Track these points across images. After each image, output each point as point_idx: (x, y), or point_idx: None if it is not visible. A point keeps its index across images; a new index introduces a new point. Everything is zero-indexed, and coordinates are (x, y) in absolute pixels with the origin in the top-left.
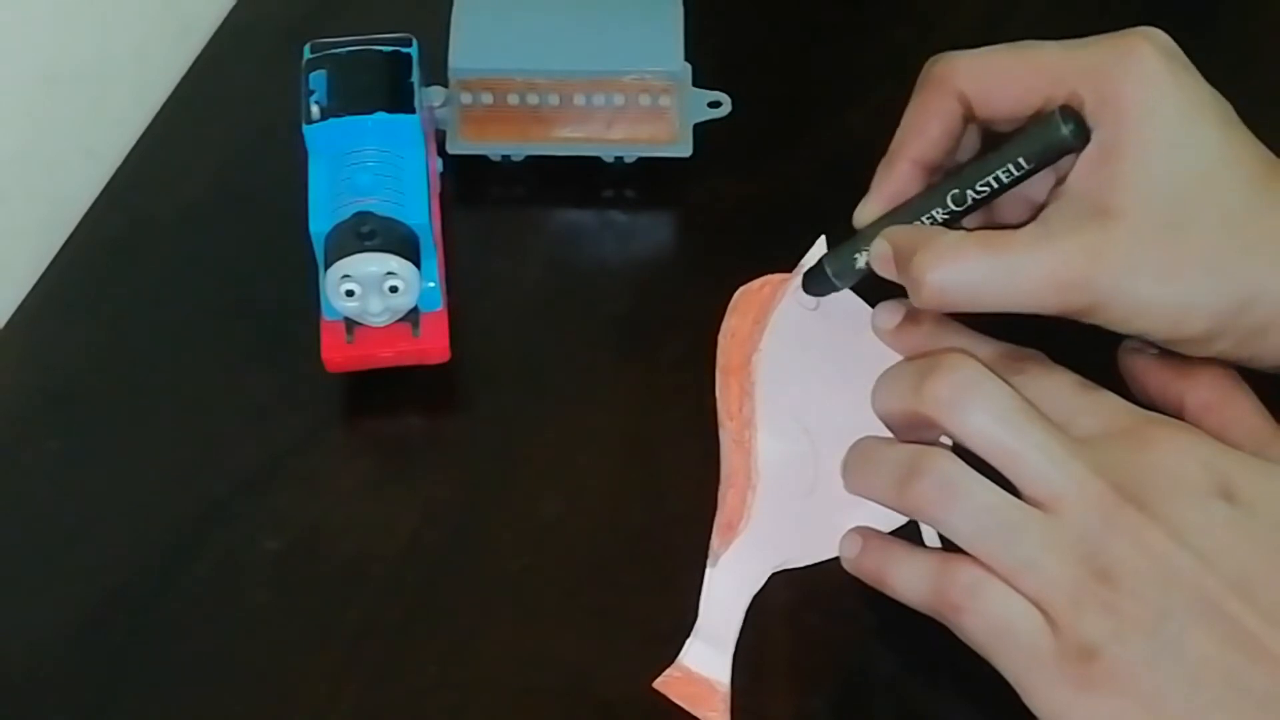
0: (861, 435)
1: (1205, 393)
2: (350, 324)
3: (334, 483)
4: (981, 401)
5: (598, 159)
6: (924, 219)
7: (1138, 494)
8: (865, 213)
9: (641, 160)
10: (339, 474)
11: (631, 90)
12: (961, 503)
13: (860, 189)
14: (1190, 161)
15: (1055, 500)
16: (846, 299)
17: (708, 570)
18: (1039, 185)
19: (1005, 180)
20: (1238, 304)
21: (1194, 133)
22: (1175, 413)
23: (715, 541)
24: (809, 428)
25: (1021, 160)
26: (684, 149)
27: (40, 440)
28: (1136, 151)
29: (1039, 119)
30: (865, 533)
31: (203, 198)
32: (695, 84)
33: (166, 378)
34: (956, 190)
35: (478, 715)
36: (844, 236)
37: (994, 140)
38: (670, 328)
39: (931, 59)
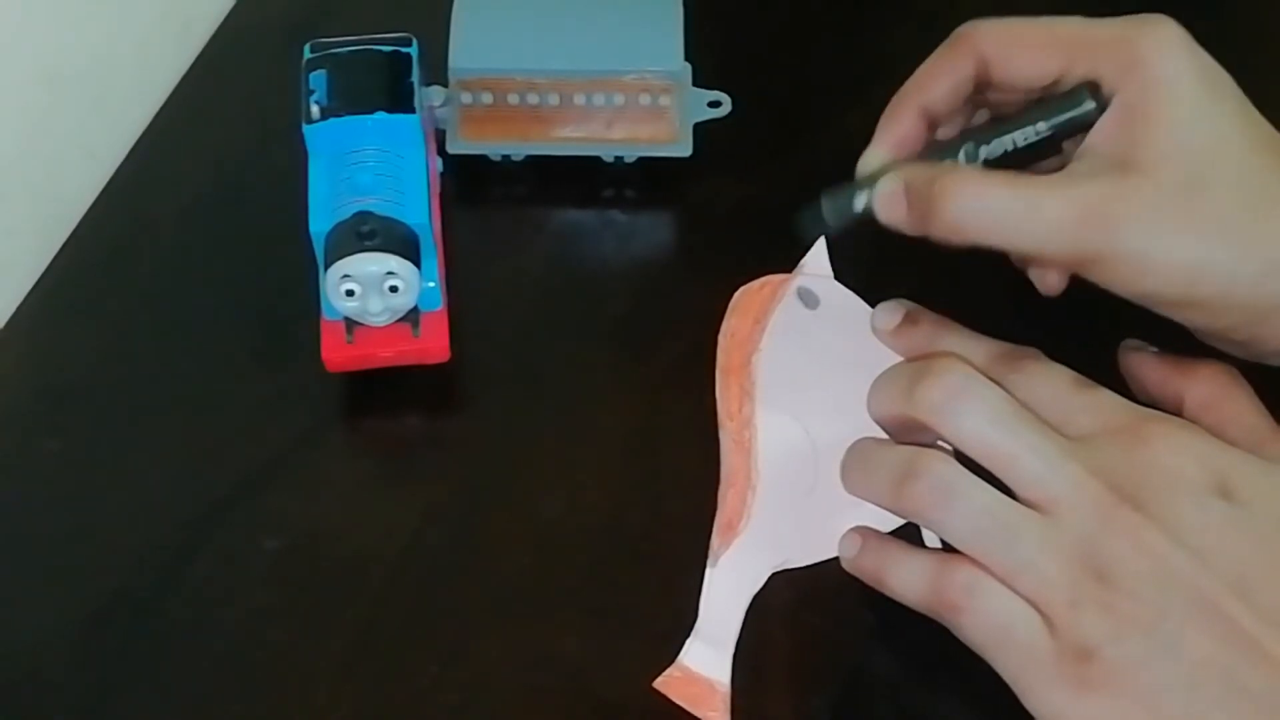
0: (861, 436)
1: (1204, 390)
2: (350, 324)
3: (334, 483)
4: (974, 405)
5: (598, 159)
6: None
7: (1135, 493)
8: (870, 158)
9: (641, 160)
10: (339, 474)
11: (631, 90)
12: (958, 504)
13: None
14: (1210, 127)
15: (1051, 502)
16: (846, 299)
17: (708, 570)
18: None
19: (1021, 144)
20: (1252, 271)
21: (1213, 101)
22: (1174, 410)
23: (715, 541)
24: (809, 428)
25: (1042, 125)
26: (684, 149)
27: (40, 440)
28: (1159, 113)
29: (1063, 91)
30: (864, 532)
31: (203, 198)
32: (695, 84)
33: (166, 378)
34: (971, 144)
35: (478, 715)
36: (844, 236)
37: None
38: (670, 328)
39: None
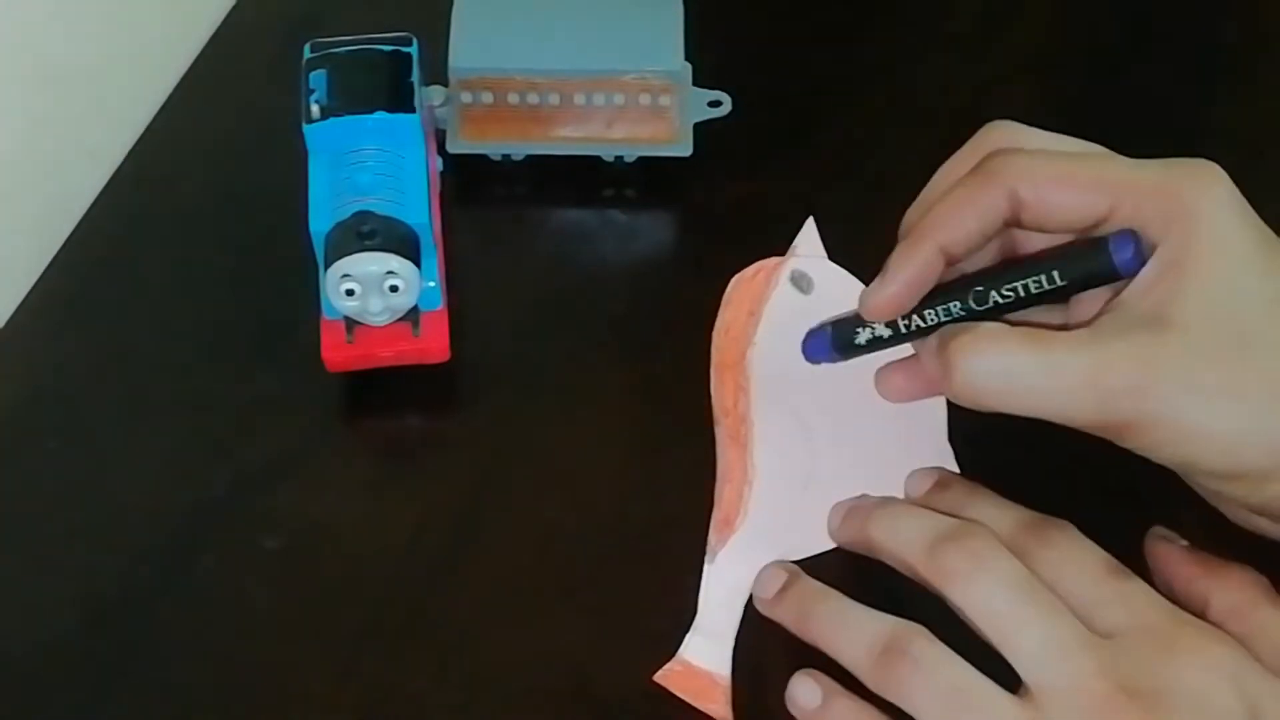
0: (854, 430)
1: (1233, 596)
2: (350, 324)
3: (334, 483)
4: (988, 578)
5: (598, 158)
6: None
7: (1153, 702)
8: (879, 298)
9: (641, 159)
10: (339, 474)
11: (632, 89)
12: (929, 679)
13: (860, 189)
14: (1259, 284)
15: (1046, 691)
16: (840, 280)
17: (706, 567)
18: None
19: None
20: None
21: (1264, 257)
22: (1199, 611)
23: (713, 538)
24: (804, 421)
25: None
26: (684, 148)
27: (40, 440)
28: (1204, 267)
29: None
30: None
31: (203, 198)
32: (695, 84)
33: (166, 378)
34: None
35: (478, 715)
36: (843, 236)
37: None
38: (670, 327)
39: (993, 151)
